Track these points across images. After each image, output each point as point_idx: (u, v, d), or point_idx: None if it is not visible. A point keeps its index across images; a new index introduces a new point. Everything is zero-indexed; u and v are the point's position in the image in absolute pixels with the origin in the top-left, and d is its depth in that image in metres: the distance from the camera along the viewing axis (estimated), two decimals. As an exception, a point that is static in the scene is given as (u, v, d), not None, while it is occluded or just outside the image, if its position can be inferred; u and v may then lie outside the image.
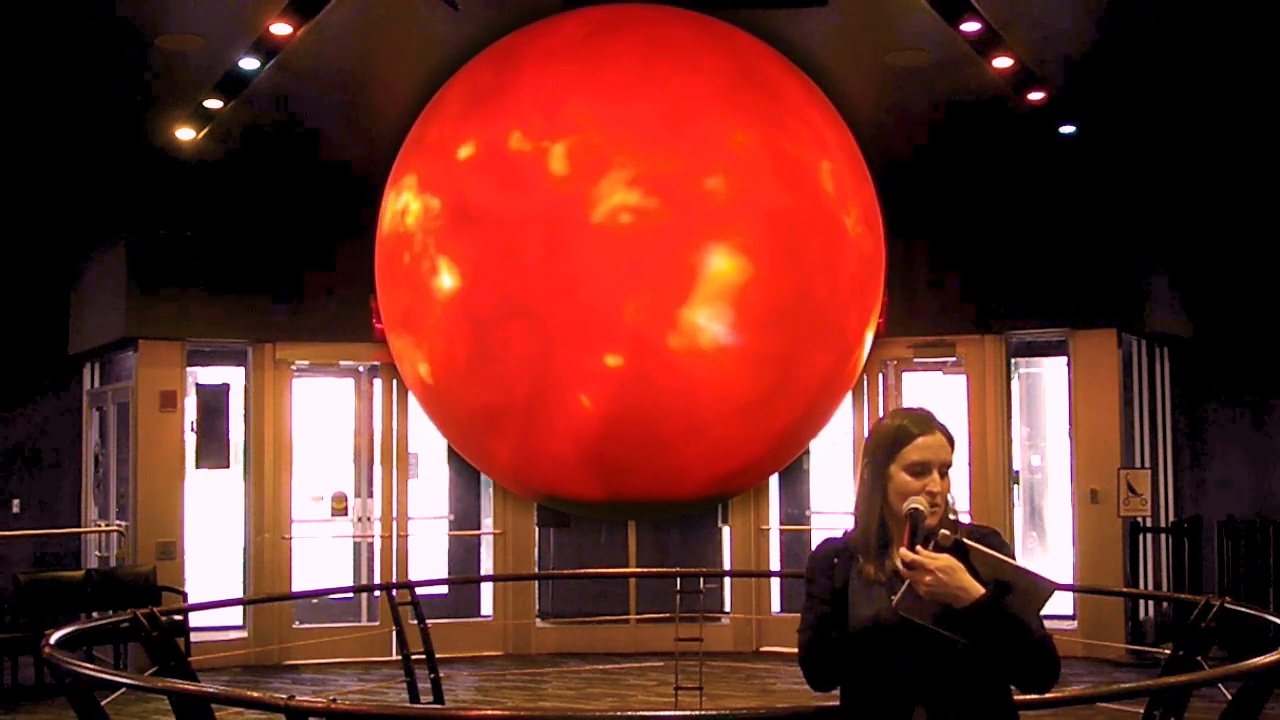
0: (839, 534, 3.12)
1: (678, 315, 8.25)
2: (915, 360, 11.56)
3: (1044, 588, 2.75)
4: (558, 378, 8.36)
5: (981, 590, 2.70)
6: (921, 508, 2.84)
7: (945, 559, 2.73)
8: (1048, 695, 2.99)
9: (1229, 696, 5.15)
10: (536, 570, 11.82)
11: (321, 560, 12.38)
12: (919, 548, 2.75)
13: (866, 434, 3.07)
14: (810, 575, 3.06)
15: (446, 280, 8.54)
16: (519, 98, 8.52)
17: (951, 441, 2.97)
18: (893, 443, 2.94)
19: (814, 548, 3.13)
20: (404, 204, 8.88)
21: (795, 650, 3.04)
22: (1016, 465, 11.75)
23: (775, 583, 11.77)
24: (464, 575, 12.05)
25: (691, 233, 8.24)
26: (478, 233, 8.41)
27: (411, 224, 8.77)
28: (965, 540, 2.79)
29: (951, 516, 2.94)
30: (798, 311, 8.52)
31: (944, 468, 2.92)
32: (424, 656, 8.25)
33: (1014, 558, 2.85)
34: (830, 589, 2.98)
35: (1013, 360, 11.60)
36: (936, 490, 2.88)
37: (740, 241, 8.27)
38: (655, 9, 9.01)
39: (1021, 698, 2.96)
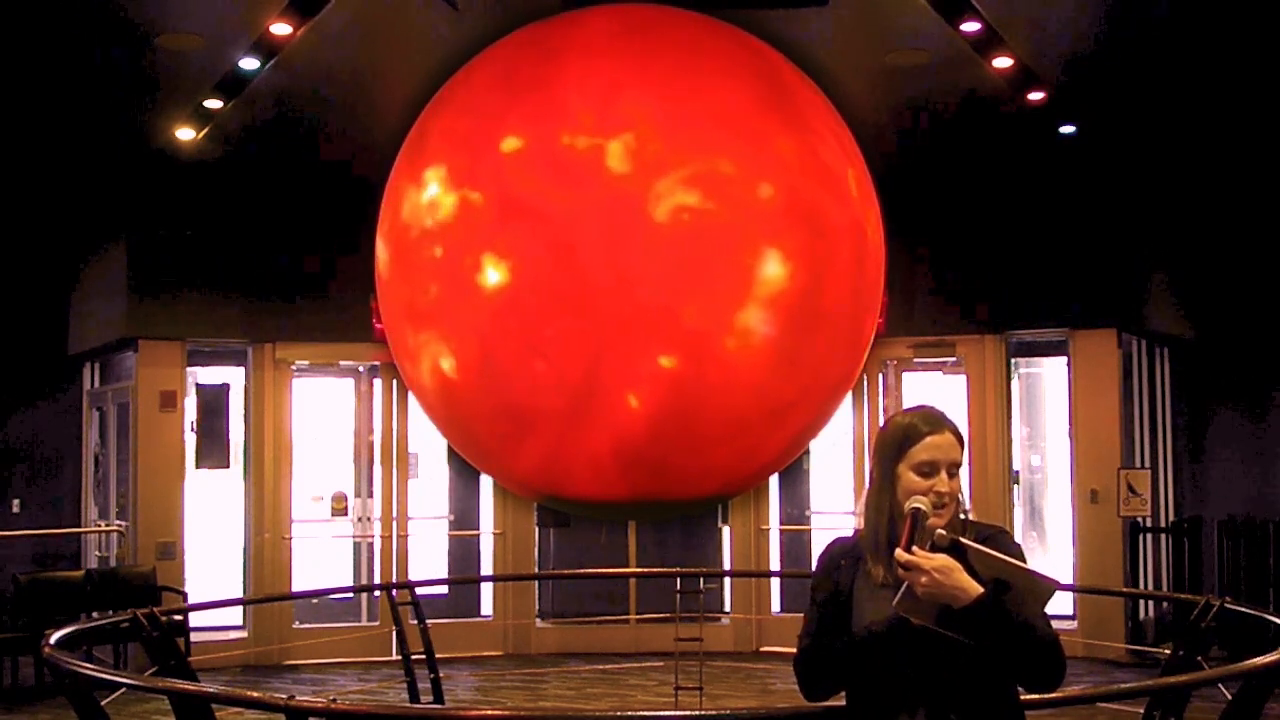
0: (849, 534, 3.08)
1: (734, 318, 8.33)
2: (915, 360, 11.57)
3: (1044, 586, 2.73)
4: (608, 377, 8.32)
5: (980, 590, 2.67)
6: (923, 507, 2.80)
7: (941, 559, 2.69)
8: (1048, 695, 2.97)
9: (1229, 696, 5.15)
10: (536, 570, 11.82)
11: (321, 560, 12.38)
12: (915, 548, 2.71)
13: (879, 430, 3.04)
14: (815, 578, 3.02)
15: (492, 275, 8.41)
16: (566, 93, 8.47)
17: (961, 441, 2.93)
18: (902, 441, 2.90)
19: (823, 548, 3.08)
20: (432, 197, 8.74)
21: (794, 650, 3.01)
22: (1016, 465, 11.75)
23: (775, 583, 11.77)
24: (464, 575, 12.04)
25: (749, 236, 8.36)
26: (529, 228, 8.31)
27: (445, 217, 8.63)
28: (962, 540, 2.76)
29: (962, 516, 2.90)
30: (833, 316, 8.72)
31: (952, 467, 2.87)
32: (424, 656, 8.24)
33: (1022, 557, 2.82)
34: (834, 591, 2.95)
35: (1013, 360, 11.60)
36: (945, 490, 2.84)
37: (791, 247, 8.42)
38: (669, 11, 9.01)
39: (1025, 697, 2.94)
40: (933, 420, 2.92)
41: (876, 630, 2.81)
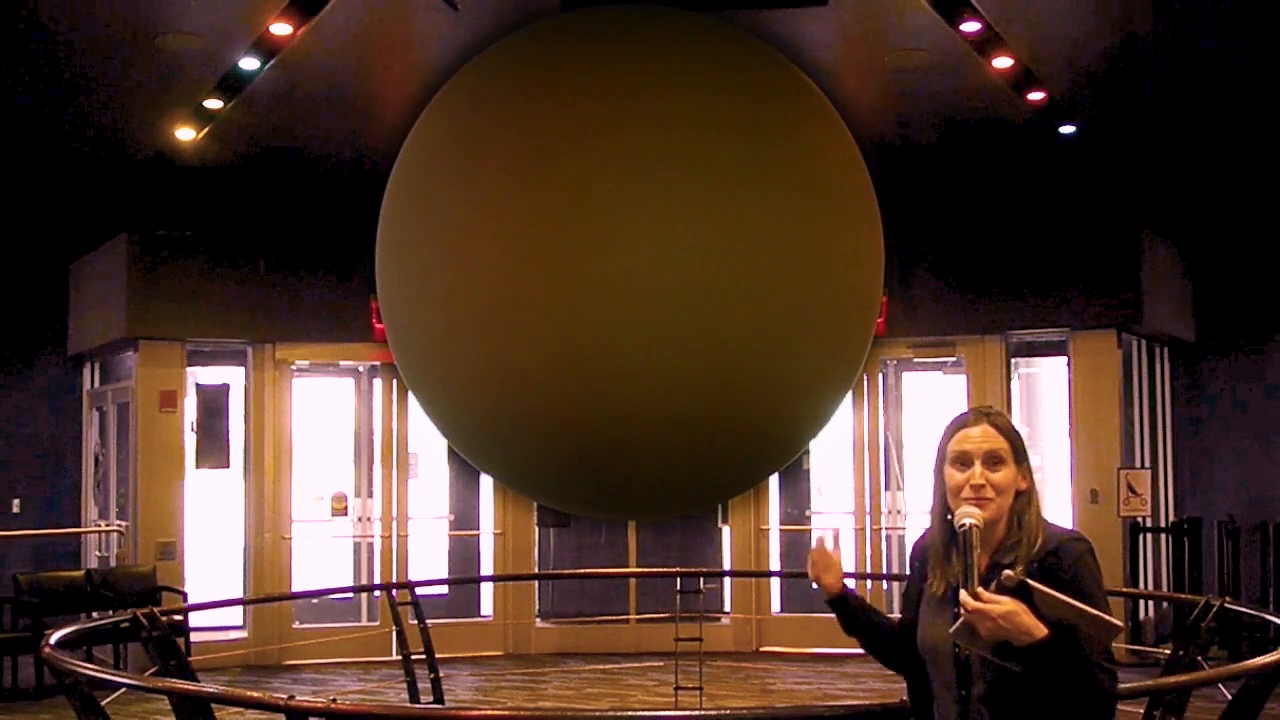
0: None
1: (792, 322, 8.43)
2: (915, 360, 11.57)
3: (1108, 627, 2.71)
4: None
5: (1044, 631, 2.65)
6: (971, 522, 2.77)
7: (1008, 604, 2.65)
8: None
9: (1229, 696, 5.15)
10: (536, 570, 11.83)
11: (321, 560, 12.38)
12: (980, 591, 2.67)
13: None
14: (908, 575, 3.12)
15: None
16: (635, 108, 8.48)
17: (1005, 433, 2.87)
18: (946, 441, 2.91)
19: (914, 542, 3.12)
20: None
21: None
22: (1016, 465, 11.74)
23: (775, 583, 11.76)
24: (464, 575, 12.04)
25: (815, 243, 8.44)
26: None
27: None
28: (1030, 582, 2.71)
29: (1025, 520, 2.86)
30: (866, 323, 8.83)
31: (989, 458, 2.84)
32: (424, 656, 8.25)
33: (1097, 569, 2.82)
34: (909, 591, 3.05)
35: (1013, 360, 11.60)
36: (979, 482, 2.82)
37: (847, 257, 8.51)
38: (689, 15, 9.00)
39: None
40: (975, 415, 2.92)
41: (943, 645, 2.83)
